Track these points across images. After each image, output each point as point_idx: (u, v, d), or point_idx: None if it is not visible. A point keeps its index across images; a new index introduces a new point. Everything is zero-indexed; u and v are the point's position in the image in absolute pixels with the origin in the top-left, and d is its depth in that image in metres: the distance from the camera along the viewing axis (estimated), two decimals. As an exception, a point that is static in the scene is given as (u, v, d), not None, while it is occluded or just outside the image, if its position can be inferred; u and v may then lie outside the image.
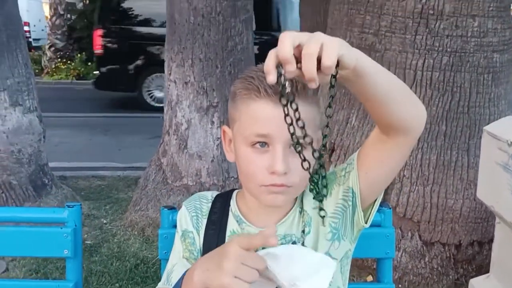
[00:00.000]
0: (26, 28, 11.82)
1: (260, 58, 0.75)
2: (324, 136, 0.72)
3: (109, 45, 7.84)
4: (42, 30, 15.34)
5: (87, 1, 12.42)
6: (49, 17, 12.35)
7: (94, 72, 8.65)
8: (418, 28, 2.58)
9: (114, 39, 7.84)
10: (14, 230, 1.22)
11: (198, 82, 3.24)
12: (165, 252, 1.11)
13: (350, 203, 0.92)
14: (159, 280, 1.00)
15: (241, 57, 3.33)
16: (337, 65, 0.65)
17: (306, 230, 0.93)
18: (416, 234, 2.68)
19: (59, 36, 11.84)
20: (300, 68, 0.63)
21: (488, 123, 2.31)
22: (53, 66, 11.55)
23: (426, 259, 2.67)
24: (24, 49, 3.46)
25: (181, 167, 3.31)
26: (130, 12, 7.92)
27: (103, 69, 8.06)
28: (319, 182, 0.77)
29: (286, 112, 0.69)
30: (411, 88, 2.47)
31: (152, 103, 8.04)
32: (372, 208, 0.94)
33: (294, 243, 0.92)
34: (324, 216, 0.81)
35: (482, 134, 2.05)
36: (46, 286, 1.47)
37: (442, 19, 2.56)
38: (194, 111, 3.27)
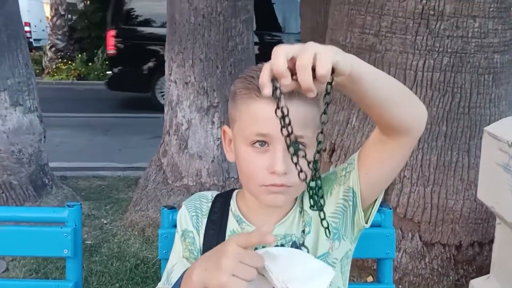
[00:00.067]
0: (27, 28, 11.83)
1: (260, 58, 0.75)
2: (319, 143, 0.72)
3: (122, 45, 7.80)
4: (43, 30, 15.36)
5: (88, 2, 12.44)
6: (50, 17, 12.36)
7: (107, 72, 8.61)
8: (418, 28, 2.58)
9: (127, 39, 7.79)
10: (14, 230, 1.22)
11: (198, 82, 3.25)
12: (165, 252, 1.11)
13: (351, 203, 0.92)
14: (159, 280, 1.00)
15: (241, 57, 3.33)
16: (333, 71, 0.65)
17: (306, 230, 0.93)
18: (417, 235, 2.68)
19: (60, 37, 11.85)
20: (296, 80, 0.64)
21: (489, 124, 2.31)
22: (54, 67, 11.56)
23: (427, 260, 2.67)
24: (24, 49, 3.47)
25: (182, 167, 3.31)
26: (143, 13, 7.85)
27: (116, 70, 8.02)
28: (316, 193, 0.76)
29: (282, 124, 0.69)
30: (411, 89, 2.47)
31: None
32: (372, 208, 0.94)
33: (294, 243, 0.92)
34: (327, 227, 0.81)
35: (482, 135, 2.04)
36: (46, 286, 1.47)
37: (443, 20, 2.56)
38: (195, 111, 3.27)
